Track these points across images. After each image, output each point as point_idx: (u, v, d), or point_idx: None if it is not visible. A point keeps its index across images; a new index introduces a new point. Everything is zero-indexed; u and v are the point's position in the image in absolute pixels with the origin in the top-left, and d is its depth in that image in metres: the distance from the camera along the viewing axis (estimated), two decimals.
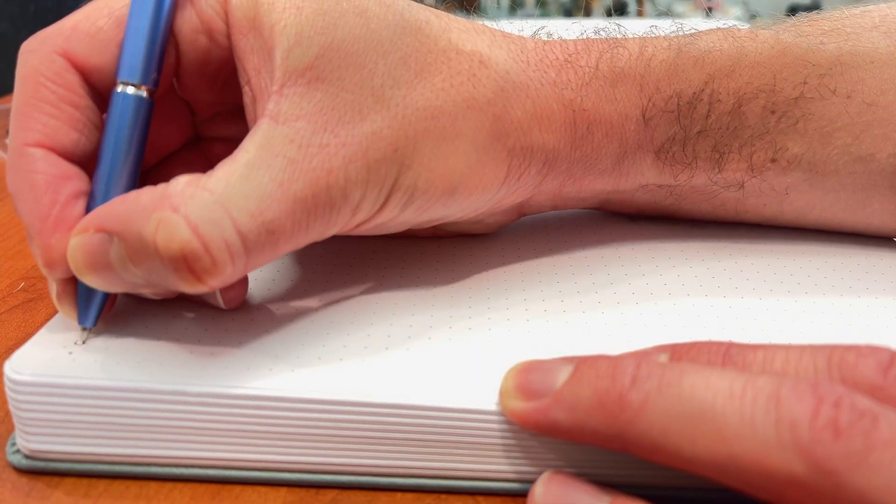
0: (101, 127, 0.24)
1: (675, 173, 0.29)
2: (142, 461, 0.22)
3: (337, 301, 0.27)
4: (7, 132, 0.23)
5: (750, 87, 0.28)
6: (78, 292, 0.23)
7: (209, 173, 0.21)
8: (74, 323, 0.24)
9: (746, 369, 0.19)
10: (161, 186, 0.21)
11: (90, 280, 0.22)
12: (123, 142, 0.23)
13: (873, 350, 0.19)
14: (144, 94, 0.23)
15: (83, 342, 0.23)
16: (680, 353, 0.21)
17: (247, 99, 0.24)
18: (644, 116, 0.28)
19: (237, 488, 0.22)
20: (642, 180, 0.30)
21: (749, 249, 0.31)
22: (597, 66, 0.27)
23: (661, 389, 0.18)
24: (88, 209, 0.23)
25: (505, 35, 0.27)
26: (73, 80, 0.23)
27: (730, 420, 0.17)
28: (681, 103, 0.28)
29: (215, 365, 0.22)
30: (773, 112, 0.28)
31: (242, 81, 0.24)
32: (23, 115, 0.23)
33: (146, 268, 0.21)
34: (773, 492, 0.17)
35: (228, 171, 0.21)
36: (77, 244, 0.21)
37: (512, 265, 0.30)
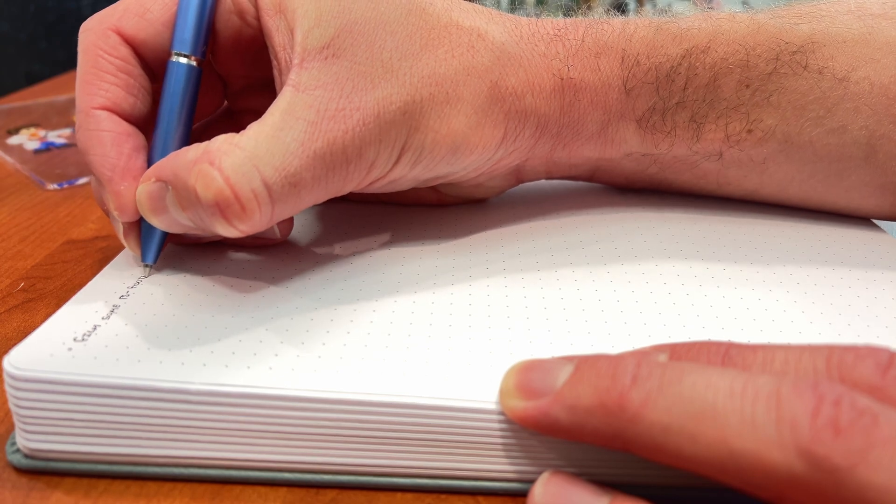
0: (151, 93, 0.28)
1: (657, 142, 0.32)
2: (142, 461, 0.22)
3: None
4: (7, 132, 0.24)
5: (725, 62, 0.30)
6: (141, 235, 0.27)
7: (241, 133, 0.24)
8: (76, 319, 0.24)
9: (746, 370, 0.19)
10: (204, 143, 0.24)
11: (155, 221, 0.26)
12: (177, 104, 0.27)
13: (872, 351, 0.19)
14: (194, 63, 0.27)
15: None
16: (679, 352, 0.21)
17: (275, 71, 0.27)
18: (625, 86, 0.30)
19: (237, 488, 0.22)
20: (627, 148, 0.32)
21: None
22: (583, 39, 0.30)
23: (661, 388, 0.18)
24: (150, 163, 0.27)
25: (500, 14, 0.30)
26: (127, 52, 0.27)
27: (730, 419, 0.17)
28: (659, 75, 0.30)
29: (215, 363, 0.22)
30: (747, 86, 0.30)
31: (271, 56, 0.27)
32: (87, 84, 0.27)
33: (192, 212, 0.24)
34: (773, 490, 0.17)
35: (257, 131, 0.24)
36: (142, 190, 0.25)
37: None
